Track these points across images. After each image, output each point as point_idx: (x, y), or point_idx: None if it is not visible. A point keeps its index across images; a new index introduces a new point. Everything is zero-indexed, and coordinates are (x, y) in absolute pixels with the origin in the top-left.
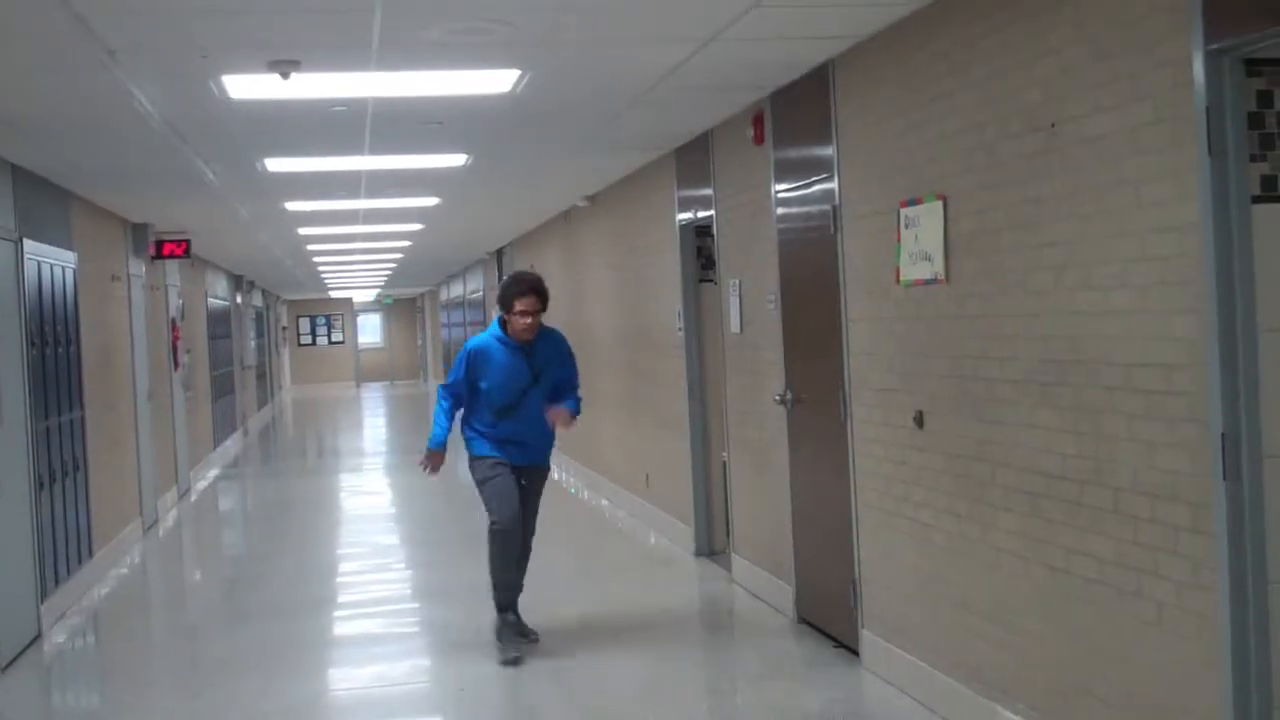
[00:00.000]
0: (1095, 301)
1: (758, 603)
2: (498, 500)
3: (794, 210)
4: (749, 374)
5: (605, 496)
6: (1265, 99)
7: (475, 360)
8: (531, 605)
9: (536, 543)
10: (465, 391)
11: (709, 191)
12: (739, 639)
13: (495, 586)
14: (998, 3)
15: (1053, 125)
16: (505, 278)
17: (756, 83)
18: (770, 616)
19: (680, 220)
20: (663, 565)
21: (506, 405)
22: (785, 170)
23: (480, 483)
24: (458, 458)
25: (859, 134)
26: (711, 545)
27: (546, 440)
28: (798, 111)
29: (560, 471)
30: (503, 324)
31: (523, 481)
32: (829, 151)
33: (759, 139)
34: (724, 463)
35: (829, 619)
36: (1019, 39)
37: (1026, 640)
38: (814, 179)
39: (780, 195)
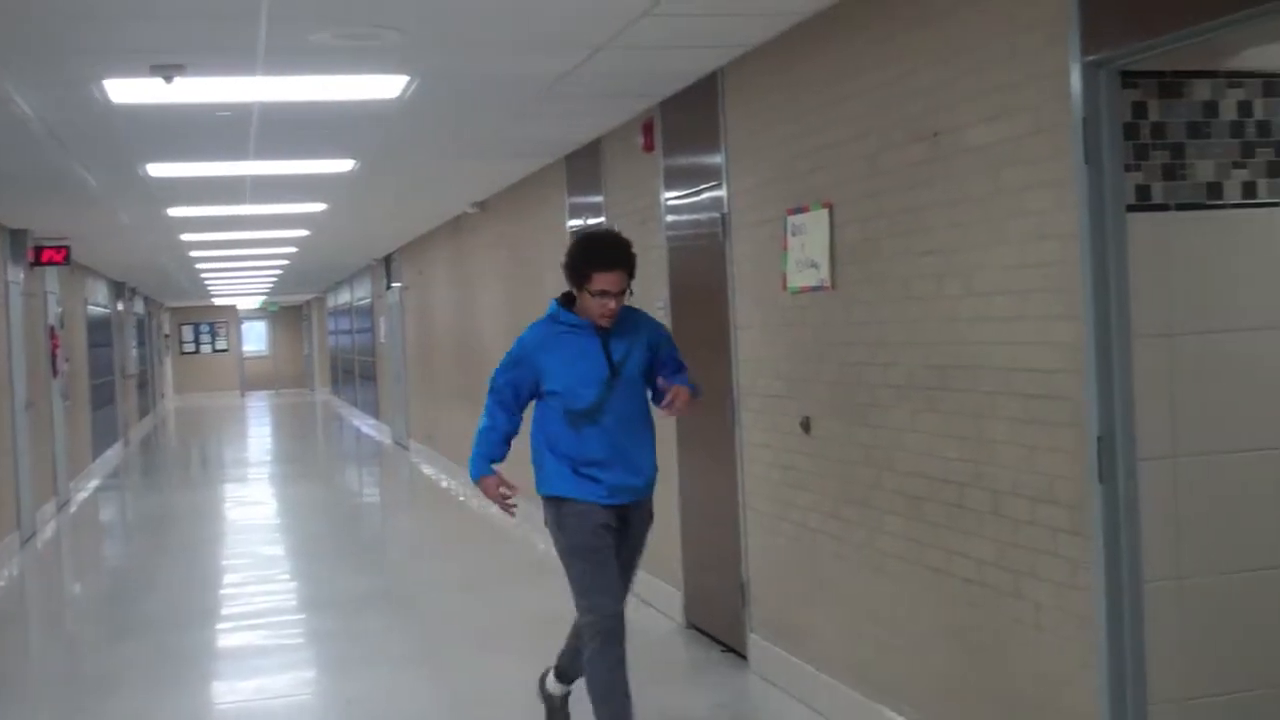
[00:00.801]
0: (976, 308)
1: (646, 608)
2: (595, 580)
3: (683, 218)
4: None
5: (494, 504)
6: (1140, 110)
7: (530, 359)
8: (417, 613)
9: (424, 553)
10: (513, 401)
11: (599, 198)
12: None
13: (599, 712)
14: (881, 14)
15: (935, 135)
16: (578, 240)
17: (647, 90)
18: (658, 622)
19: (571, 227)
20: (550, 572)
21: (587, 409)
22: (675, 178)
23: (567, 552)
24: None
25: (747, 142)
26: None
27: (648, 458)
28: (687, 119)
29: (446, 478)
30: (566, 302)
31: (619, 529)
32: (718, 159)
33: (649, 146)
34: None
35: (717, 623)
36: (902, 50)
37: (912, 642)
38: (703, 187)
39: (670, 203)
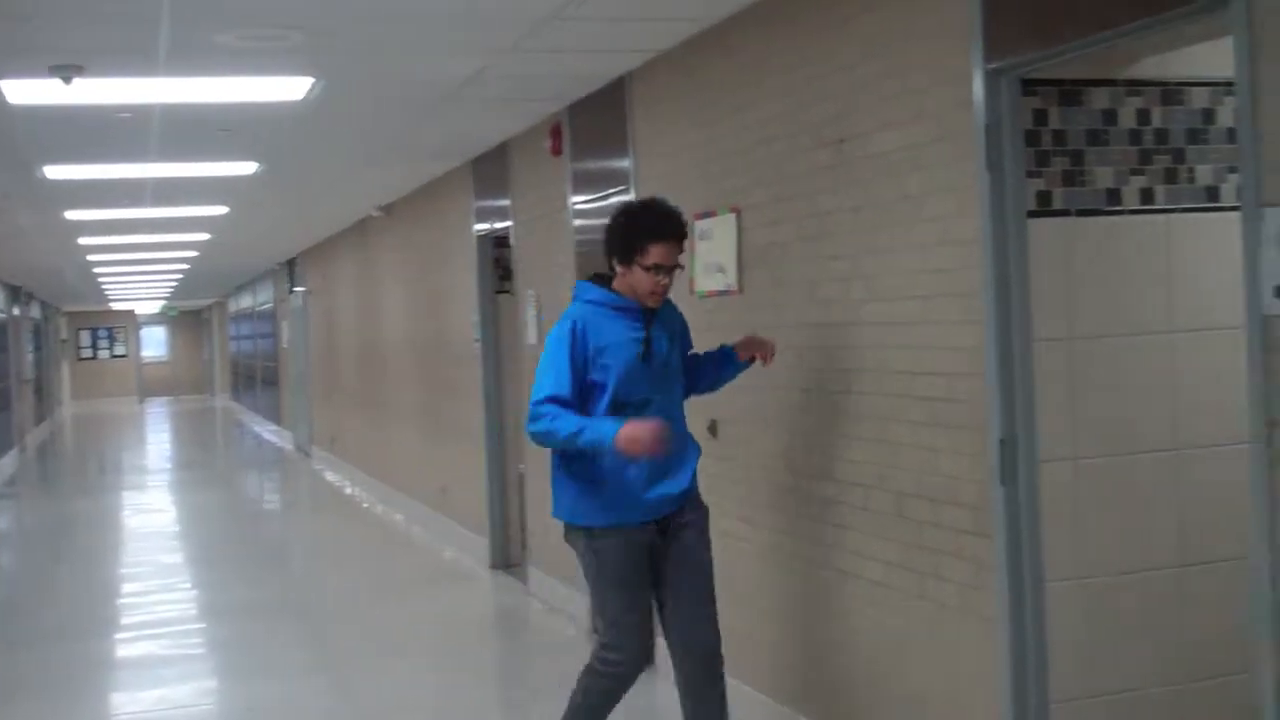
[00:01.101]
0: (881, 312)
1: (554, 615)
2: (629, 617)
3: (592, 222)
4: None
5: (400, 511)
6: (1041, 117)
7: (586, 338)
8: (319, 621)
9: (326, 560)
10: (575, 397)
11: (507, 202)
12: (535, 652)
13: None
14: (787, 20)
15: (841, 141)
16: (626, 209)
17: (554, 94)
18: (566, 628)
19: (478, 231)
20: (458, 580)
21: (638, 402)
22: (583, 182)
23: (601, 580)
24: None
25: (655, 146)
26: (508, 558)
27: (691, 461)
28: (595, 123)
29: (351, 485)
30: (603, 281)
31: (671, 543)
32: (626, 163)
33: (556, 150)
34: (521, 474)
35: None
36: (808, 56)
37: (821, 645)
38: (611, 191)
39: (578, 207)
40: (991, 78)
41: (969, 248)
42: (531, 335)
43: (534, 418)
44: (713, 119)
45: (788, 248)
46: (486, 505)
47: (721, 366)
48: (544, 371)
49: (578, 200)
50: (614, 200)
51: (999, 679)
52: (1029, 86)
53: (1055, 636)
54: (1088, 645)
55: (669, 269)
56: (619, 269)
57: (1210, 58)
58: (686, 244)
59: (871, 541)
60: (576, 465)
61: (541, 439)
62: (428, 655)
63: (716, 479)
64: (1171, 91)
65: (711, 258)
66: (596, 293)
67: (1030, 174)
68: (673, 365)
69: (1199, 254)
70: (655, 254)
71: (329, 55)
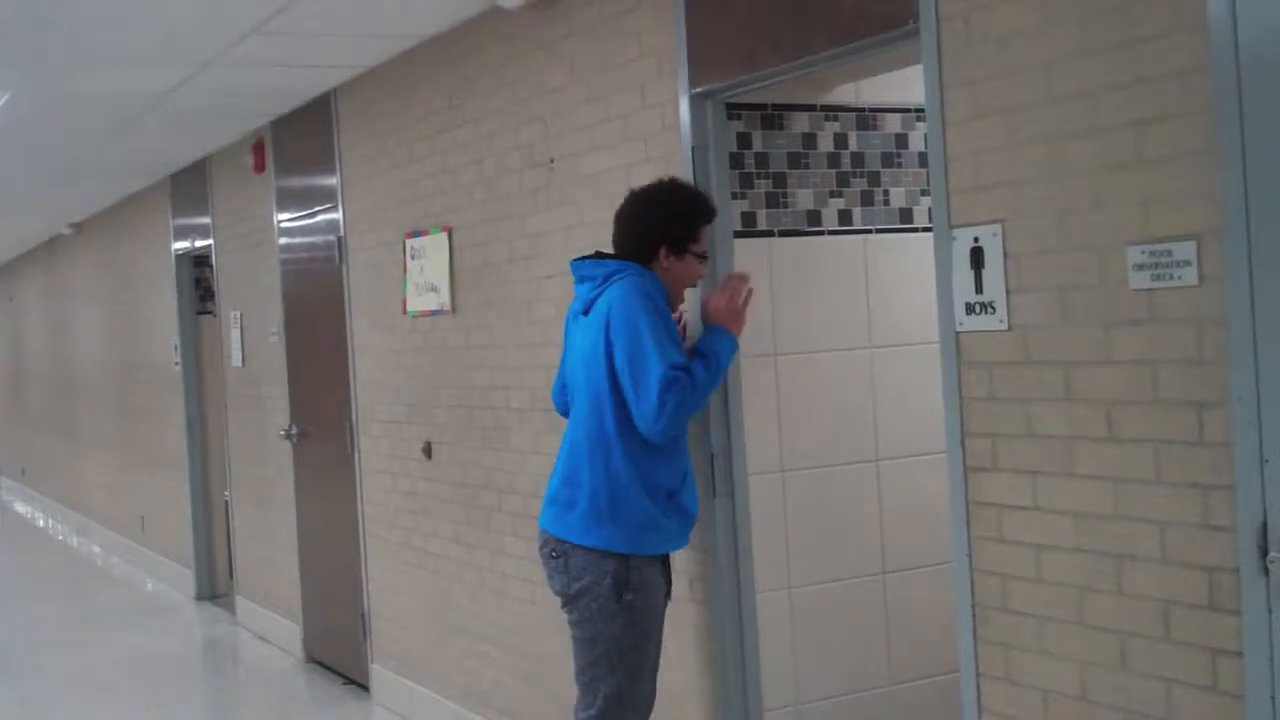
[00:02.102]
0: None
1: (264, 645)
2: (648, 673)
3: (298, 240)
4: (252, 409)
5: (96, 542)
6: (745, 140)
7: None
8: (18, 663)
9: (17, 596)
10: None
11: (207, 220)
12: (244, 683)
13: None
14: (497, 41)
15: (551, 161)
16: (677, 188)
17: (257, 109)
18: (277, 658)
19: (177, 250)
20: (162, 612)
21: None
22: (288, 199)
23: (633, 638)
24: None
25: (363, 164)
26: (214, 588)
27: None
28: (300, 140)
29: (44, 517)
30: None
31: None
32: (333, 181)
33: (259, 167)
34: (226, 502)
35: (339, 656)
36: (516, 77)
37: (535, 664)
38: (318, 209)
39: (283, 225)
40: (697, 102)
41: None
42: (236, 358)
43: (666, 402)
44: (423, 136)
45: (502, 267)
46: (191, 534)
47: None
48: (652, 350)
49: (283, 218)
50: (322, 218)
51: (715, 690)
52: (733, 111)
53: (767, 646)
54: (798, 653)
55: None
56: (665, 259)
57: (903, 84)
58: (412, 264)
59: None
60: (656, 478)
61: (690, 410)
62: (136, 692)
63: (430, 501)
64: (867, 117)
65: (423, 277)
66: (645, 280)
67: (735, 195)
68: None
69: (894, 273)
70: (703, 239)
71: (19, 67)
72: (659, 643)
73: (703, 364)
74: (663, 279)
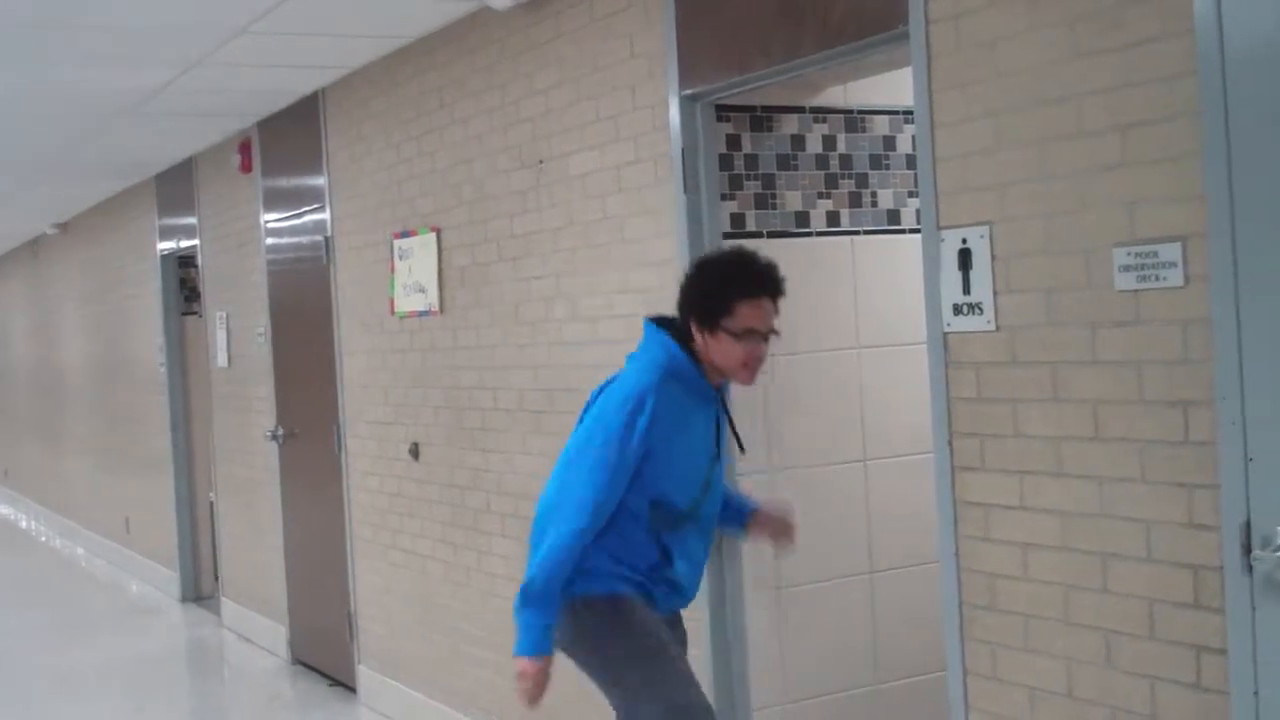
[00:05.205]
0: (582, 332)
1: (249, 646)
2: (680, 674)
3: (285, 241)
4: (238, 410)
5: (80, 545)
6: (734, 142)
7: (657, 422)
8: (4, 666)
9: (8, 600)
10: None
11: (193, 220)
12: (230, 684)
13: None
14: (486, 41)
15: (540, 162)
16: (710, 259)
17: (244, 109)
18: (263, 659)
19: (162, 250)
20: (147, 614)
21: (688, 512)
22: (275, 200)
23: (632, 654)
24: None
25: (350, 165)
26: (199, 590)
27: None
28: (287, 140)
29: (27, 519)
30: (676, 334)
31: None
32: (320, 181)
33: (246, 167)
34: (211, 503)
35: (325, 657)
36: (507, 77)
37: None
38: (305, 209)
39: (270, 225)
40: (687, 104)
41: (667, 268)
42: (221, 358)
43: (562, 548)
44: (409, 138)
45: (489, 268)
46: (176, 536)
47: (726, 514)
48: (591, 469)
49: (270, 218)
50: (309, 219)
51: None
52: (722, 112)
53: (754, 645)
54: (786, 653)
55: (766, 335)
56: (699, 336)
57: (891, 87)
58: (400, 264)
59: None
60: (619, 563)
61: (548, 567)
62: (123, 694)
63: (417, 502)
64: (855, 119)
65: (411, 278)
66: (682, 358)
67: (725, 197)
68: (723, 462)
69: (882, 274)
70: (750, 312)
71: (4, 65)
72: (667, 647)
73: (560, 549)
74: (706, 358)
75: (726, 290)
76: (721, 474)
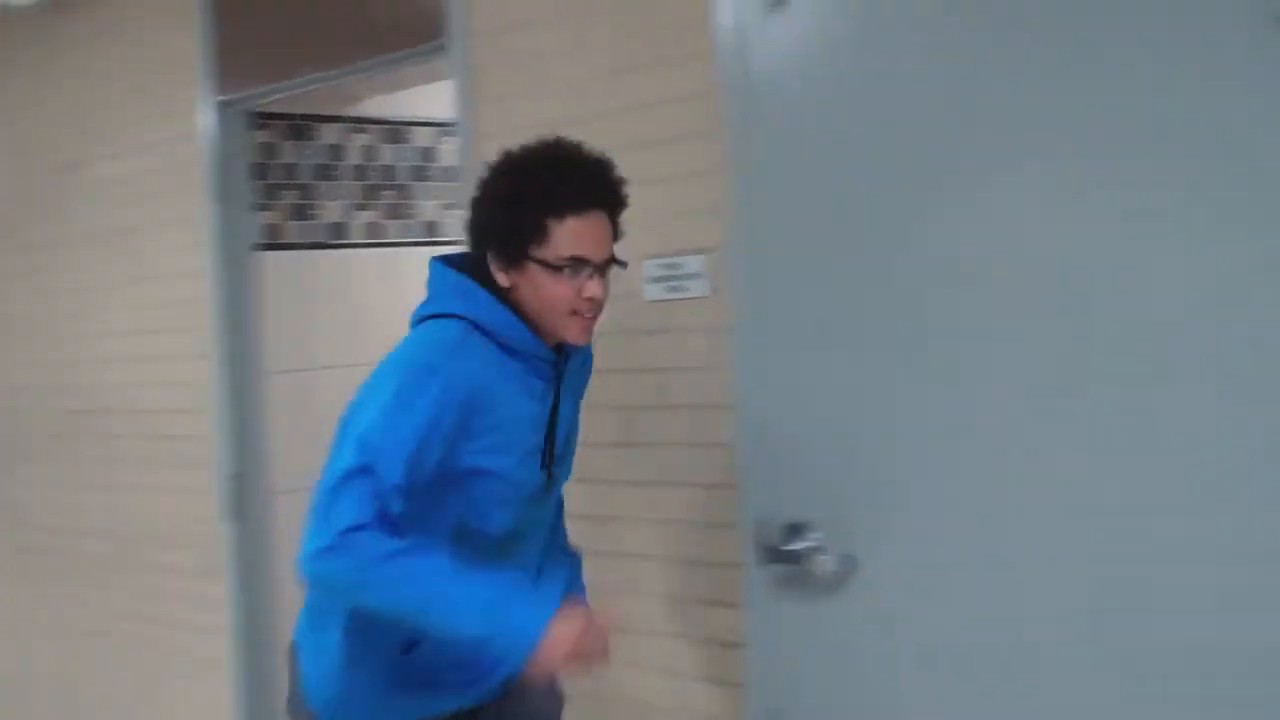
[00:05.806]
0: (114, 348)
1: None
2: None
3: None
4: None
5: None
6: (271, 151)
7: (471, 409)
8: None
9: None
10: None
11: None
12: None
13: None
14: (11, 44)
15: (68, 168)
16: (514, 158)
17: None
18: None
19: None
20: None
21: (518, 530)
22: None
23: None
24: None
25: None
26: None
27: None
28: None
29: None
30: (483, 278)
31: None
32: None
33: None
34: None
35: None
36: (33, 81)
37: (68, 711)
38: None
39: None
40: (221, 110)
41: (199, 280)
42: None
43: (336, 548)
44: None
45: (12, 282)
46: None
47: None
48: (387, 451)
49: None
50: None
51: None
52: (260, 120)
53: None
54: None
55: (598, 265)
56: (502, 276)
57: (434, 100)
58: None
59: (107, 594)
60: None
61: (345, 590)
62: None
63: None
64: (397, 130)
65: None
66: (497, 311)
67: (261, 207)
68: (571, 449)
69: (422, 286)
70: (569, 237)
71: None
72: None
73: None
74: (521, 309)
75: (534, 203)
76: (565, 469)
